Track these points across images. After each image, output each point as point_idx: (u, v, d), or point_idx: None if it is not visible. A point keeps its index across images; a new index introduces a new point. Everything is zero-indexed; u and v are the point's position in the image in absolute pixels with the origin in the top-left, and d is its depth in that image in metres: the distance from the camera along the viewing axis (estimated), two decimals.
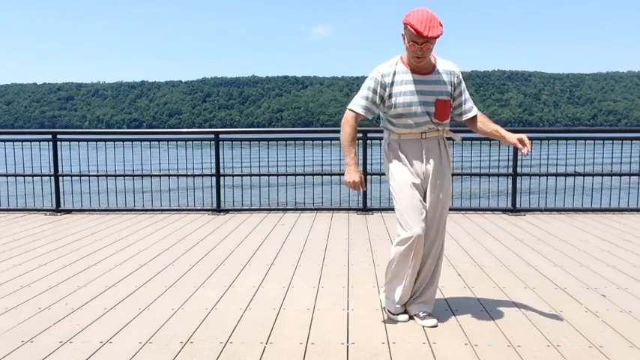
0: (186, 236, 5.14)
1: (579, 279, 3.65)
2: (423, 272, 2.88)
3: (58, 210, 6.55)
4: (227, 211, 6.57)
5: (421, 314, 2.86)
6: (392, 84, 2.73)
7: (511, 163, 6.34)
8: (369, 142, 6.30)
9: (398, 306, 2.89)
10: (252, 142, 6.62)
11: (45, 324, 2.88)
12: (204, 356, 2.47)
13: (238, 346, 2.58)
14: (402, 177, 2.78)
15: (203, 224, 5.77)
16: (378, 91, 2.75)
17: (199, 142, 6.69)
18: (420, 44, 2.58)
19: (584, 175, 6.59)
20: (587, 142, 6.44)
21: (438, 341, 2.62)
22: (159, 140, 6.72)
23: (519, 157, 6.27)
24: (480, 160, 6.52)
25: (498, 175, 6.73)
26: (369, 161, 6.39)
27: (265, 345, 2.59)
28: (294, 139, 6.83)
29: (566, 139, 6.95)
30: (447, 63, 2.81)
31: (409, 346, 2.57)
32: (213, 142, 6.49)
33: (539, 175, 6.65)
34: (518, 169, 6.32)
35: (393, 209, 6.79)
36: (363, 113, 2.77)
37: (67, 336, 2.71)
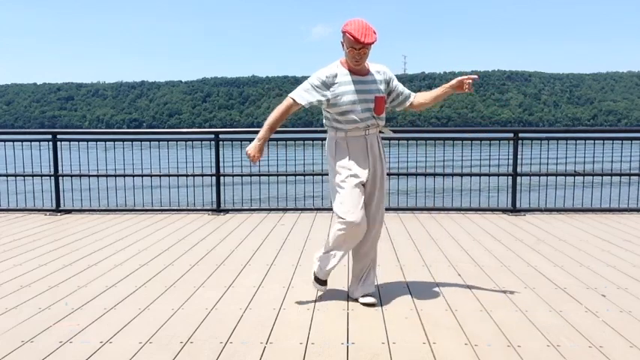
0: (186, 236, 5.14)
1: (579, 279, 3.65)
2: (364, 260, 3.23)
3: (58, 210, 6.55)
4: (227, 211, 6.57)
5: (363, 294, 3.20)
6: (336, 85, 3.04)
7: (511, 163, 6.34)
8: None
9: (325, 275, 3.26)
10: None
11: (45, 324, 2.88)
12: (204, 356, 2.47)
13: (238, 346, 2.58)
14: (347, 171, 3.07)
15: (203, 224, 5.77)
16: (322, 90, 3.04)
17: (199, 142, 6.69)
18: (357, 49, 2.93)
19: (584, 175, 6.60)
20: (587, 142, 6.44)
21: (438, 341, 2.62)
22: (159, 140, 6.72)
23: (519, 157, 6.28)
24: (480, 160, 6.52)
25: (498, 175, 6.72)
26: None
27: (265, 345, 2.59)
28: (294, 139, 6.83)
29: (566, 139, 6.95)
30: (378, 65, 3.17)
31: (409, 346, 2.57)
32: (213, 142, 6.50)
33: (539, 175, 6.65)
34: (519, 169, 6.32)
35: (392, 209, 6.79)
36: (302, 103, 3.06)
37: (67, 336, 2.71)
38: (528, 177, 6.50)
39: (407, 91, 3.26)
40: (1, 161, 6.90)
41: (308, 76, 3.17)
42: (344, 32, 2.93)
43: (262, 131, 3.07)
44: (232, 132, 7.32)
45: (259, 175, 6.76)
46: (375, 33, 2.93)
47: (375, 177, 3.15)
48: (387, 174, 6.55)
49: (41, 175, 6.90)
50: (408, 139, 6.69)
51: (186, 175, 6.84)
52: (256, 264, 4.12)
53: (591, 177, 6.66)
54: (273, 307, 3.13)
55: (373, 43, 2.93)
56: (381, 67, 3.18)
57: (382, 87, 3.13)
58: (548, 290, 3.41)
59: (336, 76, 3.04)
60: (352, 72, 3.06)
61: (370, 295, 3.19)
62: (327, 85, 3.03)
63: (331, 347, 2.56)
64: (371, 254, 3.24)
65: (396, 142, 6.48)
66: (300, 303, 3.20)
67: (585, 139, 6.46)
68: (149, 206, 6.69)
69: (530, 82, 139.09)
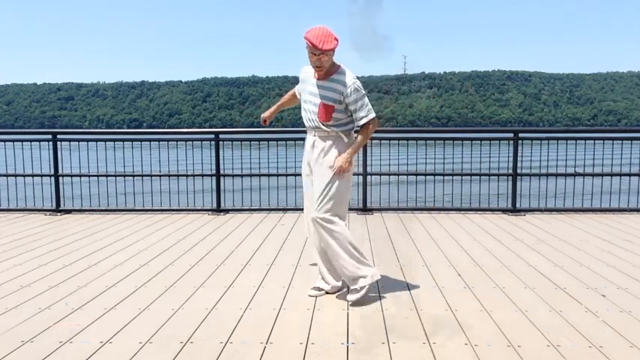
0: (186, 236, 5.14)
1: (579, 279, 3.65)
2: (329, 254, 3.27)
3: (58, 210, 6.55)
4: (227, 211, 6.57)
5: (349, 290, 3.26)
6: (302, 82, 3.37)
7: (511, 164, 6.34)
8: (369, 142, 6.29)
9: (319, 280, 3.42)
10: (252, 142, 6.61)
11: (45, 324, 2.88)
12: (204, 356, 2.47)
13: (238, 346, 2.58)
14: (302, 168, 3.42)
15: (203, 224, 5.77)
16: (299, 83, 3.43)
17: (199, 142, 6.69)
18: (317, 55, 3.07)
19: (584, 175, 6.59)
20: (587, 142, 6.44)
21: (438, 341, 2.62)
22: (159, 140, 6.71)
23: (519, 157, 6.28)
24: (480, 160, 6.51)
25: (498, 175, 6.72)
26: (368, 162, 6.38)
27: (265, 345, 2.59)
28: (294, 139, 6.83)
29: (566, 139, 6.94)
30: (345, 76, 3.15)
31: (409, 346, 2.57)
32: (213, 142, 6.49)
33: (539, 175, 6.65)
34: (518, 170, 6.32)
35: (393, 209, 6.79)
36: (295, 92, 3.55)
37: (67, 336, 2.72)
38: (528, 177, 6.50)
39: (358, 117, 3.19)
40: (1, 161, 6.90)
41: None
42: (304, 39, 3.08)
43: (273, 106, 3.71)
44: (232, 132, 7.31)
45: (259, 176, 6.76)
46: (336, 40, 3.06)
47: (316, 172, 3.29)
48: (388, 174, 6.60)
49: (41, 175, 6.89)
50: (408, 139, 6.69)
51: (187, 175, 6.84)
52: (256, 264, 4.12)
53: (591, 177, 6.66)
54: (273, 307, 3.13)
55: (332, 49, 3.06)
56: (346, 80, 3.12)
57: (336, 97, 3.14)
58: (548, 290, 3.41)
59: (307, 72, 3.33)
60: (316, 74, 3.24)
61: (354, 292, 3.18)
62: (300, 80, 3.41)
63: (331, 347, 2.56)
64: (325, 247, 3.27)
65: (396, 142, 6.49)
66: (300, 303, 3.20)
67: (585, 139, 6.46)
68: (149, 206, 6.69)
69: (530, 82, 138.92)
